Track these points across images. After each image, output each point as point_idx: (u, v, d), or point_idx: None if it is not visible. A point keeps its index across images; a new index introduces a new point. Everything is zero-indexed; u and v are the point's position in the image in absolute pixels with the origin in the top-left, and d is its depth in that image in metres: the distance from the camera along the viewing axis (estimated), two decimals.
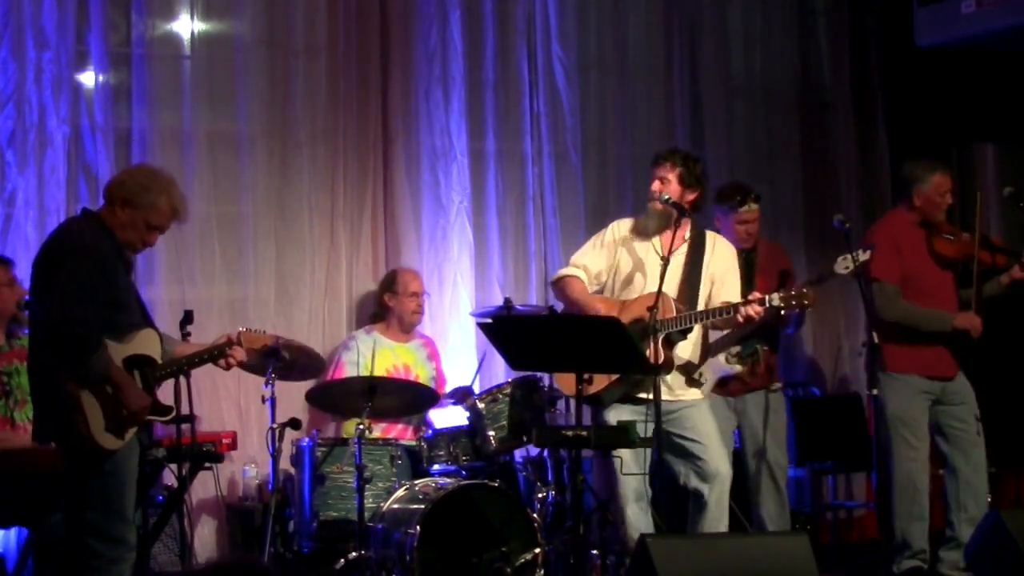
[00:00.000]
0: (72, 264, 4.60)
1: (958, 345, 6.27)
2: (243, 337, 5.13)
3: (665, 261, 5.38)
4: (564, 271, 5.78)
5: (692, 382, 5.63)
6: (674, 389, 5.55)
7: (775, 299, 5.28)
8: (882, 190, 8.21)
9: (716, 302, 5.52)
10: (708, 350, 5.77)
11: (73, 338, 4.55)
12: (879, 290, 6.27)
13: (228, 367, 5.14)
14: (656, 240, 5.63)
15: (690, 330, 5.43)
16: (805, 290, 5.32)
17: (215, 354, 5.07)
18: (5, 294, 5.71)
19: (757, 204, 6.46)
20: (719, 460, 5.54)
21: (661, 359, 5.32)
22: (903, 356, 6.27)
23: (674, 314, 5.37)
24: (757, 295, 5.32)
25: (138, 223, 4.79)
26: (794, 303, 5.30)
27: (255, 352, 5.27)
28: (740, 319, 5.34)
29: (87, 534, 4.63)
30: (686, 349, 5.54)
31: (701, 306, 5.52)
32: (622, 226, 5.75)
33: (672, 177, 5.61)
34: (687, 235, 5.61)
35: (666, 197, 5.54)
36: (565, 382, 5.61)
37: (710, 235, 5.73)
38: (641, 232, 5.68)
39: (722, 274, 5.63)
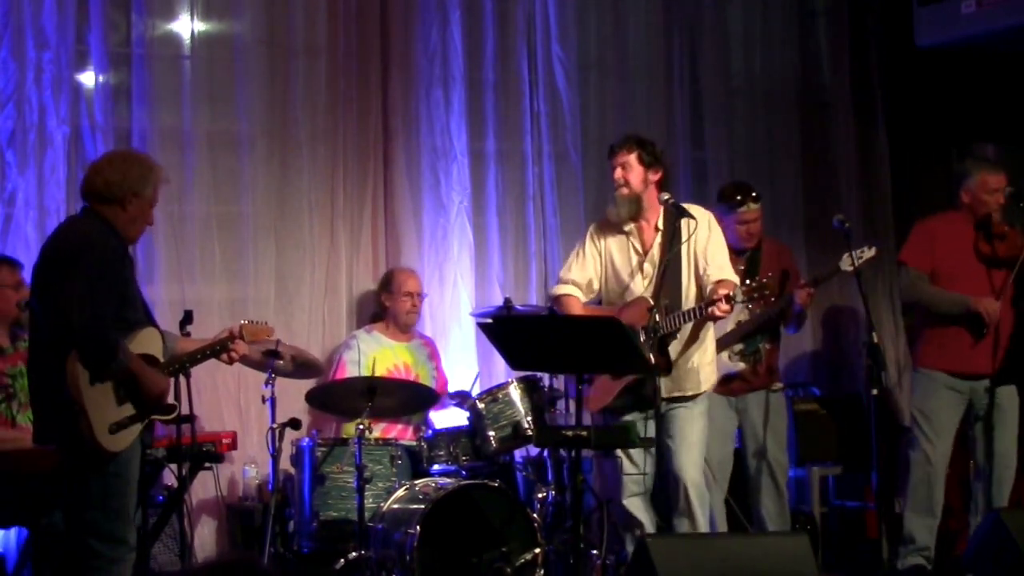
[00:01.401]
0: (85, 266, 4.57)
1: (992, 342, 6.25)
2: (245, 330, 5.14)
3: (663, 261, 5.39)
4: (558, 289, 5.80)
5: (693, 374, 5.60)
6: (677, 382, 5.54)
7: (738, 295, 5.28)
8: (882, 190, 8.20)
9: (709, 283, 5.50)
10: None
11: (99, 342, 4.53)
12: (902, 273, 6.42)
13: (231, 361, 5.15)
14: (633, 229, 5.64)
15: (678, 330, 5.45)
16: (766, 280, 5.29)
17: (217, 349, 5.06)
18: (10, 296, 5.70)
19: (757, 204, 6.47)
20: (687, 467, 5.49)
21: (654, 363, 5.31)
22: (930, 353, 6.34)
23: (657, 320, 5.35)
24: (721, 292, 5.31)
25: (146, 210, 4.85)
26: (755, 295, 5.29)
27: (257, 345, 5.26)
28: (710, 317, 5.36)
29: (87, 534, 4.62)
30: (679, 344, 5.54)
31: (690, 294, 5.53)
32: (596, 228, 5.78)
33: (631, 160, 5.63)
34: (659, 224, 5.62)
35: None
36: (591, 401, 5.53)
37: (685, 215, 5.53)
38: (615, 225, 5.70)
39: (703, 251, 5.59)
